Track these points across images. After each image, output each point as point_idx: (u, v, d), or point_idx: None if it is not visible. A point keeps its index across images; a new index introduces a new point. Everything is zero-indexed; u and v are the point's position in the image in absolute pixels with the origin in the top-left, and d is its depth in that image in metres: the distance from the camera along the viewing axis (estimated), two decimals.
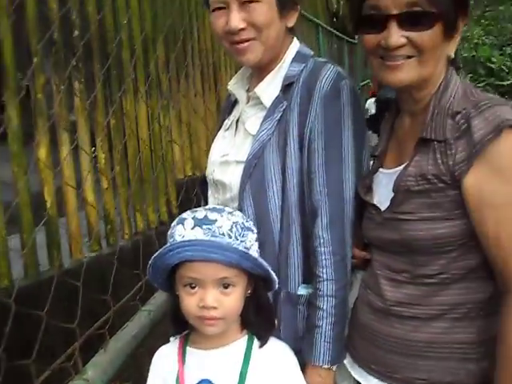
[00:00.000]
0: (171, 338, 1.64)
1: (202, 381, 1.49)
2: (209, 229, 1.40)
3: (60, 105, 3.44)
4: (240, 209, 1.64)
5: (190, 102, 5.33)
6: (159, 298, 1.87)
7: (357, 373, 1.59)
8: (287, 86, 1.66)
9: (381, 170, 1.61)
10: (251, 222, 1.52)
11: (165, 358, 1.58)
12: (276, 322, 1.60)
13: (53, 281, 2.09)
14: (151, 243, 2.94)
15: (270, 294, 1.59)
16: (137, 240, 4.01)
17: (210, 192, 1.89)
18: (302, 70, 1.67)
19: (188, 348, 1.56)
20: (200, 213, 1.45)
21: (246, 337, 1.54)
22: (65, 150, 3.43)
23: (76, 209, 3.50)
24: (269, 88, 1.70)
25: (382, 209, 1.52)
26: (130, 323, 1.82)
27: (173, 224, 1.50)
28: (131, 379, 3.26)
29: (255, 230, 1.51)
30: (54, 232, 3.28)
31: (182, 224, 1.44)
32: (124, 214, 4.11)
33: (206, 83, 5.76)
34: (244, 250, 1.42)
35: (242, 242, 1.43)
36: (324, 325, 1.55)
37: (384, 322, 1.50)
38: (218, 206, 1.55)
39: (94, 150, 3.87)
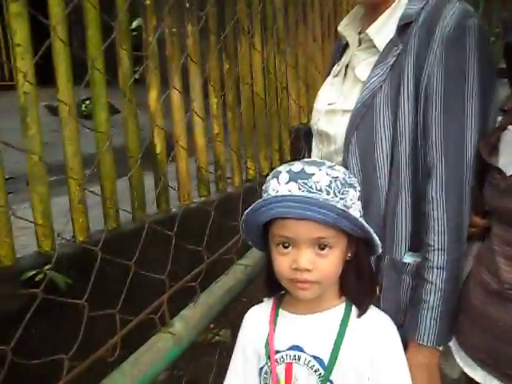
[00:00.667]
0: (265, 299, 1.54)
1: (293, 347, 1.39)
2: (305, 183, 1.26)
3: (172, 47, 3.39)
4: (344, 164, 1.48)
5: (307, 48, 5.13)
6: (257, 252, 1.77)
7: (462, 360, 1.41)
8: (404, 27, 1.45)
9: (510, 127, 1.38)
10: (354, 179, 1.35)
11: (256, 318, 1.48)
12: (377, 290, 1.45)
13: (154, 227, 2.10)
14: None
15: (372, 260, 1.44)
16: (248, 187, 3.97)
17: (313, 143, 1.74)
18: (423, 7, 1.44)
19: (281, 310, 1.45)
20: (297, 166, 1.31)
21: (344, 304, 1.40)
22: (176, 94, 3.40)
23: (186, 153, 3.49)
24: (383, 29, 1.49)
25: (508, 173, 1.29)
26: (225, 277, 1.74)
27: (268, 177, 1.37)
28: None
29: (358, 188, 1.34)
30: (163, 176, 3.29)
31: (277, 178, 1.30)
32: (235, 160, 4.06)
33: (325, 28, 5.51)
34: (343, 208, 1.26)
35: (341, 199, 1.27)
36: (432, 300, 1.38)
37: (499, 307, 1.29)
38: (317, 160, 1.39)
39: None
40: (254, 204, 1.32)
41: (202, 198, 3.69)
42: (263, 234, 1.39)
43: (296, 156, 3.30)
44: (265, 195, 1.34)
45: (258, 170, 4.35)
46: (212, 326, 3.22)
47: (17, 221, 2.34)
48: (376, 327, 1.38)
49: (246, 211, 1.34)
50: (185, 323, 1.47)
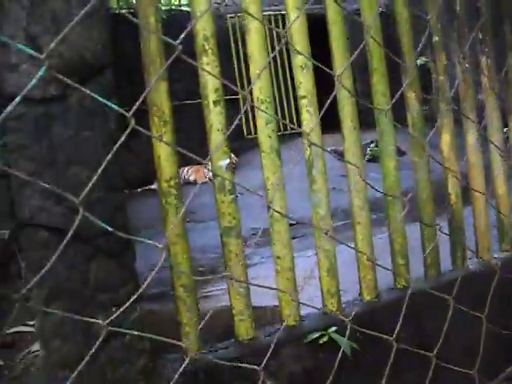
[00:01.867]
0: None
1: None
2: None
3: (465, 84, 3.05)
4: None
5: None
6: None
7: None
8: None
9: None
10: None
11: None
12: None
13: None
14: None
15: None
16: None
17: None
18: None
19: None
20: None
21: None
22: (471, 135, 3.03)
23: (485, 203, 3.06)
24: None
25: None
26: None
27: None
28: None
29: None
30: (458, 228, 2.92)
31: None
32: None
33: None
34: None
35: None
36: None
37: None
38: None
39: (505, 131, 3.35)
40: None
41: (505, 253, 3.20)
42: None
43: None
44: None
45: None
46: None
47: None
48: None
49: None
50: None
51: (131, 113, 0.89)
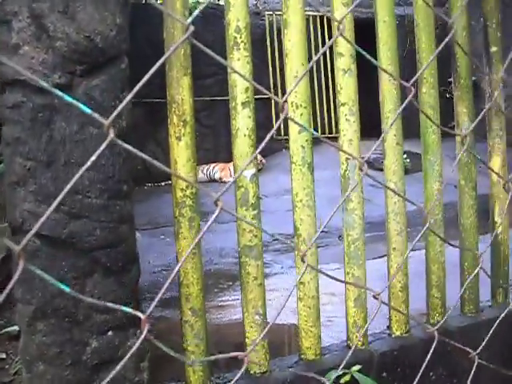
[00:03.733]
0: None
1: None
2: None
3: None
4: None
5: None
6: None
7: None
8: None
9: None
10: None
11: None
12: None
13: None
14: None
15: None
16: None
17: None
18: None
19: None
20: None
21: None
22: None
23: None
24: None
25: None
26: None
27: None
28: None
29: None
30: (503, 261, 2.63)
31: None
32: None
33: None
34: None
35: None
36: None
37: None
38: None
39: None
40: None
41: None
42: None
43: None
44: None
45: None
46: None
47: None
48: None
49: None
50: None
51: (109, 120, 0.65)
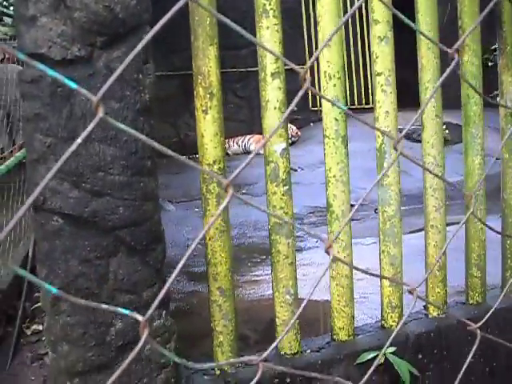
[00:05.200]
0: None
1: None
2: None
3: None
4: None
5: None
6: None
7: None
8: None
9: None
10: None
11: None
12: None
13: None
14: None
15: None
16: None
17: None
18: None
19: None
20: None
21: None
22: None
23: None
24: None
25: None
26: None
27: None
28: None
29: None
30: None
31: None
32: None
33: None
34: None
35: None
36: None
37: None
38: None
39: None
40: None
41: None
42: None
43: None
44: None
45: None
46: None
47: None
48: None
49: None
50: None
51: (98, 97, 0.58)
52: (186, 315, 2.91)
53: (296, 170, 6.30)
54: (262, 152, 6.16)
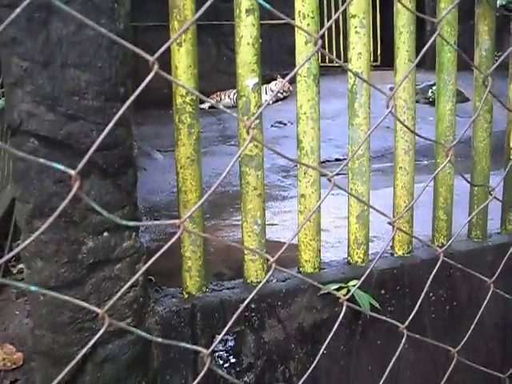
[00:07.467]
0: None
1: None
2: None
3: None
4: None
5: None
6: None
7: None
8: None
9: None
10: None
11: None
12: None
13: None
14: None
15: None
16: None
17: None
18: None
19: None
20: None
21: None
22: None
23: None
24: None
25: None
26: None
27: None
28: None
29: None
30: None
31: None
32: None
33: None
34: None
35: None
36: None
37: None
38: None
39: None
40: None
41: None
42: None
43: None
44: None
45: None
46: None
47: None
48: None
49: None
50: None
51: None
52: (166, 253, 3.01)
53: (286, 124, 6.36)
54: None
